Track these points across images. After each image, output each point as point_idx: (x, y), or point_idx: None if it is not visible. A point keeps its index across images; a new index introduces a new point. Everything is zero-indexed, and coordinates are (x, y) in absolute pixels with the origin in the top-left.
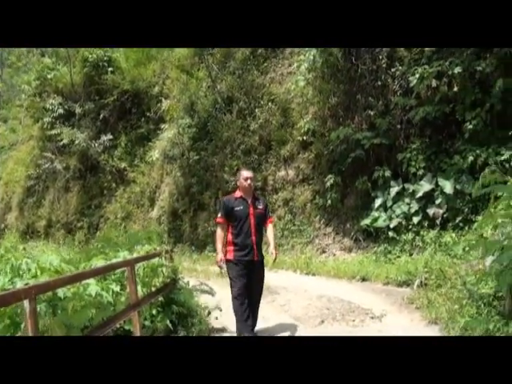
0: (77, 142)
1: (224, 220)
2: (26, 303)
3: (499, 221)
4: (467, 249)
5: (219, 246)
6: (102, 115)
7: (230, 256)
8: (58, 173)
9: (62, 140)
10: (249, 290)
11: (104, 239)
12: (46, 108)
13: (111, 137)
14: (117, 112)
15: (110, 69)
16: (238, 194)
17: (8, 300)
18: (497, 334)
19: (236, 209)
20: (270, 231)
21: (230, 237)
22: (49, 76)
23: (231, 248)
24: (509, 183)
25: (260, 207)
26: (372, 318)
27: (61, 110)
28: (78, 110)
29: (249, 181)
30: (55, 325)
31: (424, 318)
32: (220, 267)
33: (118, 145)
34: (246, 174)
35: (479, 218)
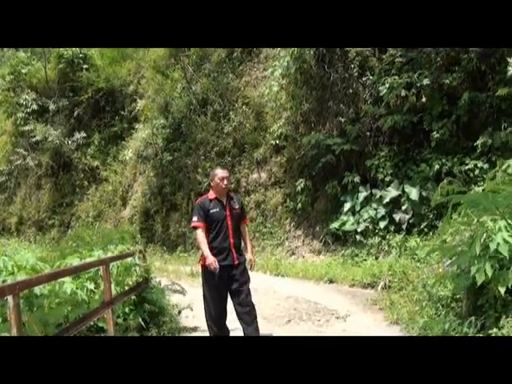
0: (50, 138)
1: (203, 224)
2: (9, 298)
3: (461, 227)
4: (429, 253)
5: (205, 248)
6: (75, 112)
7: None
8: (30, 169)
9: (34, 136)
10: (235, 299)
11: (76, 238)
12: (19, 103)
13: (84, 135)
14: (91, 110)
15: (84, 66)
16: (212, 195)
17: None
18: (452, 334)
19: (212, 211)
20: (245, 233)
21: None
22: (23, 71)
23: None
24: (471, 192)
25: (236, 207)
26: (337, 318)
27: (34, 106)
28: (51, 107)
29: (225, 181)
30: (32, 321)
31: (386, 318)
32: (215, 269)
33: (91, 143)
34: (221, 173)
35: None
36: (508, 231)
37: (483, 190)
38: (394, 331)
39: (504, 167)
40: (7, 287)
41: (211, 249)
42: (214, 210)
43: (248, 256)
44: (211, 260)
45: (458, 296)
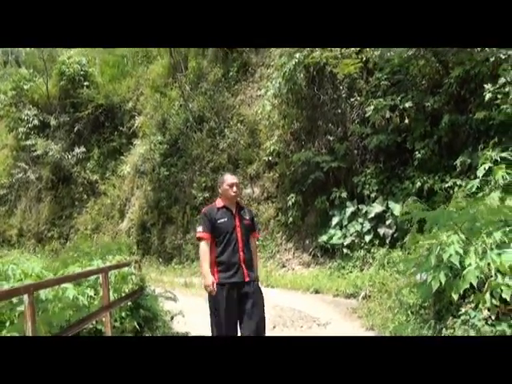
0: (50, 153)
1: (209, 235)
2: (25, 297)
3: (423, 241)
4: (396, 264)
5: (205, 266)
6: (76, 128)
7: (215, 279)
8: (30, 183)
9: (35, 150)
10: (244, 324)
11: (75, 249)
12: (21, 118)
13: (84, 149)
14: (91, 125)
15: (85, 83)
16: (219, 203)
17: (10, 294)
18: None
19: (220, 221)
20: (254, 249)
21: (212, 255)
22: (25, 87)
23: (215, 269)
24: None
25: (247, 218)
26: (318, 325)
27: (36, 121)
28: (52, 122)
29: (234, 188)
30: (40, 322)
31: (363, 325)
32: (211, 293)
33: (90, 157)
34: (230, 179)
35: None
36: (460, 244)
37: (445, 207)
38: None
39: (468, 187)
40: (23, 288)
41: (218, 264)
42: (222, 220)
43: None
44: (208, 282)
45: (425, 304)
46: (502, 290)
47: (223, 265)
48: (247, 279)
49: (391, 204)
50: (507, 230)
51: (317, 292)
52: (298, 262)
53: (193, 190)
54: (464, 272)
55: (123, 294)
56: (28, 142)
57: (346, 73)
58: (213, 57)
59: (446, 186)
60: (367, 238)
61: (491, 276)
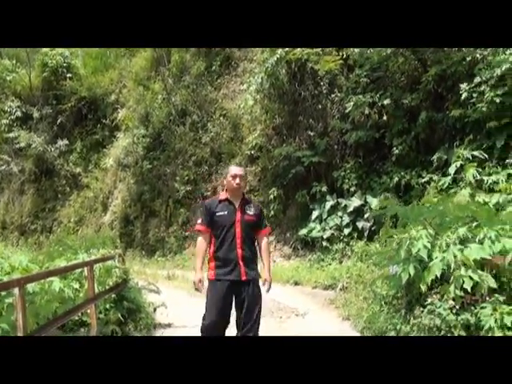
0: (33, 145)
1: (206, 228)
2: (16, 290)
3: (395, 235)
4: (370, 257)
5: (198, 262)
6: (59, 120)
7: (211, 275)
8: (13, 175)
9: (18, 143)
10: (238, 319)
11: (59, 242)
12: (4, 110)
13: (67, 142)
14: (73, 118)
15: (68, 75)
16: (223, 195)
17: (4, 287)
18: (389, 327)
19: (218, 214)
20: (264, 247)
21: (211, 250)
22: (8, 78)
23: (212, 264)
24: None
25: (250, 213)
26: (296, 315)
27: (19, 113)
28: (35, 114)
29: (237, 179)
30: (28, 314)
31: (339, 315)
32: (197, 290)
33: (73, 150)
34: (233, 170)
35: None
36: (428, 238)
37: (417, 203)
38: (345, 325)
39: (441, 183)
40: (15, 281)
41: (215, 259)
42: (221, 213)
43: (263, 274)
44: (197, 277)
45: (398, 294)
46: (463, 282)
47: (219, 261)
48: (244, 278)
49: (369, 198)
50: (473, 225)
51: (296, 284)
52: (279, 255)
53: (176, 184)
54: (430, 264)
55: (107, 287)
56: (11, 135)
57: (327, 69)
58: (196, 50)
59: (423, 181)
60: (346, 231)
61: (456, 269)
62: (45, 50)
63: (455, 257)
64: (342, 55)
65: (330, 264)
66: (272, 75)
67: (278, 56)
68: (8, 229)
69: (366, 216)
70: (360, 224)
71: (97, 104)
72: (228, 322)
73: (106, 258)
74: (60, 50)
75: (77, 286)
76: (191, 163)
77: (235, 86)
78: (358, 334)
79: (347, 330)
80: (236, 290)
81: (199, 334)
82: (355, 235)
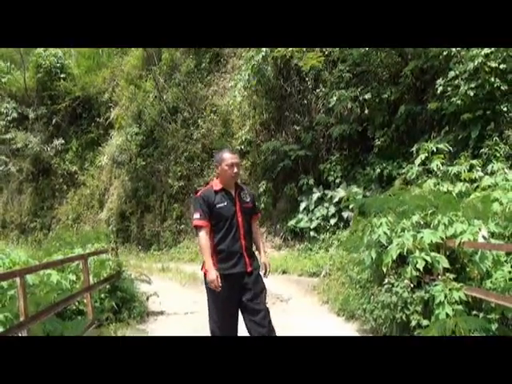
0: (30, 145)
1: (208, 222)
2: (18, 280)
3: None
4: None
5: (208, 258)
6: (54, 120)
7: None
8: (11, 175)
9: (15, 143)
10: (247, 314)
11: (57, 239)
12: (0, 111)
13: (63, 141)
14: (68, 117)
15: (62, 75)
16: (217, 185)
17: (6, 276)
18: (358, 307)
19: (219, 206)
20: (255, 231)
21: (210, 243)
22: (3, 80)
23: (214, 258)
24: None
25: (247, 200)
26: (281, 300)
27: (15, 114)
28: (31, 115)
29: (235, 168)
30: (29, 303)
31: (320, 299)
32: (216, 288)
33: (69, 149)
34: (231, 158)
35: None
36: (388, 226)
37: (382, 193)
38: (324, 309)
39: (409, 174)
40: (17, 271)
41: (218, 252)
42: (222, 205)
43: (261, 259)
44: (213, 277)
45: (371, 278)
46: (417, 262)
47: (223, 254)
48: (249, 269)
49: (354, 189)
50: (428, 213)
51: (284, 272)
52: (270, 246)
53: (169, 179)
54: (387, 248)
55: (102, 278)
56: (8, 136)
57: (310, 66)
58: (185, 48)
59: (403, 171)
60: (332, 222)
61: (412, 251)
62: (38, 50)
63: (409, 241)
64: (324, 52)
65: (317, 253)
66: (258, 72)
67: (264, 53)
68: (8, 227)
69: (350, 206)
70: (345, 214)
71: (91, 103)
72: (238, 318)
73: (100, 251)
74: (53, 50)
75: (73, 278)
76: (183, 159)
77: (225, 82)
78: (335, 316)
79: (325, 312)
80: (240, 283)
81: (194, 324)
82: (341, 225)
